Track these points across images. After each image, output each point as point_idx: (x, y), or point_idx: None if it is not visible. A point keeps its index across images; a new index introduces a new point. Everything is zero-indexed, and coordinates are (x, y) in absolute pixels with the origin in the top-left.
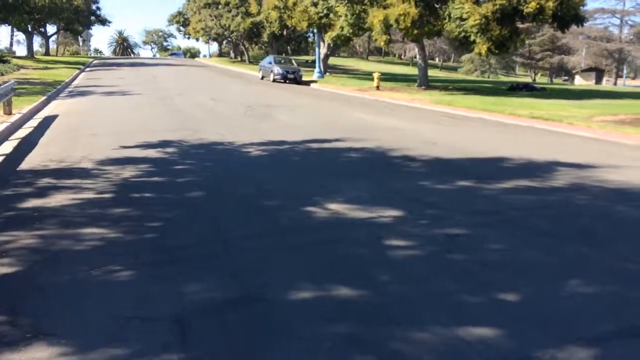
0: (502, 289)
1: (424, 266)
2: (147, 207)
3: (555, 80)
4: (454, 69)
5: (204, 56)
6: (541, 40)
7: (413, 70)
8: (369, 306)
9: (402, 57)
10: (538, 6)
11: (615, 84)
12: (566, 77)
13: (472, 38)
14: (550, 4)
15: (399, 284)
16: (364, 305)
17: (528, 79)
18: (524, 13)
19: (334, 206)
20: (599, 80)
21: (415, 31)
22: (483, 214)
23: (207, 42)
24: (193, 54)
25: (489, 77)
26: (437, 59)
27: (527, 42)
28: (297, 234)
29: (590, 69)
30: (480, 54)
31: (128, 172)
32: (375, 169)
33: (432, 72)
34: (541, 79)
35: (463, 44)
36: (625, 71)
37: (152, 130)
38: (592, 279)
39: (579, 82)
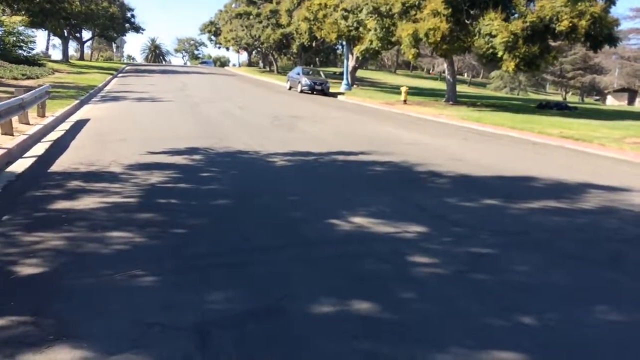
0: (526, 312)
1: (448, 285)
2: (172, 213)
3: (586, 100)
4: (483, 85)
5: (234, 65)
6: (573, 59)
7: (441, 85)
8: (391, 324)
9: (431, 71)
10: (571, 25)
11: None
12: (598, 97)
13: (500, 55)
14: (584, 22)
15: (422, 302)
16: (386, 323)
17: (559, 98)
18: (556, 31)
19: (358, 220)
20: (631, 101)
21: (445, 46)
22: (509, 234)
23: (237, 52)
24: (223, 62)
25: (518, 95)
26: (465, 75)
27: (558, 60)
28: (320, 247)
29: (622, 90)
30: (507, 70)
31: (155, 177)
32: (400, 183)
33: (460, 88)
34: (572, 98)
35: (491, 61)
36: None
37: (180, 137)
38: (619, 306)
39: (611, 102)
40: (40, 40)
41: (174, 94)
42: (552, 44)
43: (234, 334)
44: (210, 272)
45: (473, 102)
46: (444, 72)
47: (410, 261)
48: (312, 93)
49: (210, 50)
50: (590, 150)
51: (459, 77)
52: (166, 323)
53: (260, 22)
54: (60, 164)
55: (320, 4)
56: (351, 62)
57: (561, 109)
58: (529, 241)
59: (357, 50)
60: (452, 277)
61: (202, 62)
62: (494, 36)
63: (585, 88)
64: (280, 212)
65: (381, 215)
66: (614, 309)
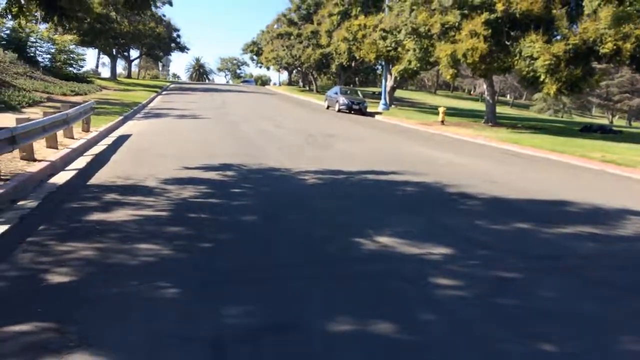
0: (549, 340)
1: (470, 309)
2: (200, 227)
3: (634, 124)
4: (526, 107)
5: (274, 84)
6: (620, 82)
7: (481, 106)
8: (409, 345)
9: (472, 92)
10: (615, 47)
11: None
12: None
13: (542, 78)
14: (628, 45)
15: (441, 325)
16: (404, 344)
17: (605, 121)
18: (600, 54)
19: (384, 239)
20: None
21: (484, 66)
22: (538, 259)
23: (278, 71)
24: (264, 81)
25: (562, 117)
26: (508, 96)
27: (604, 82)
28: (343, 265)
29: None
30: (548, 94)
31: (188, 192)
32: (430, 204)
33: (502, 109)
34: (619, 122)
35: (532, 83)
36: None
37: (215, 154)
38: None
39: None
40: (91, 58)
41: (213, 111)
42: (597, 66)
43: (250, 348)
44: (231, 286)
45: (513, 123)
46: (484, 93)
47: (433, 283)
48: (350, 112)
49: (252, 69)
50: (633, 176)
51: (501, 98)
52: (184, 335)
53: (301, 42)
54: (99, 177)
55: (359, 25)
56: (389, 82)
57: (605, 132)
58: (558, 267)
59: (396, 70)
60: (474, 301)
61: (244, 81)
62: (536, 58)
63: (632, 112)
64: (306, 230)
65: (408, 235)
66: (637, 340)
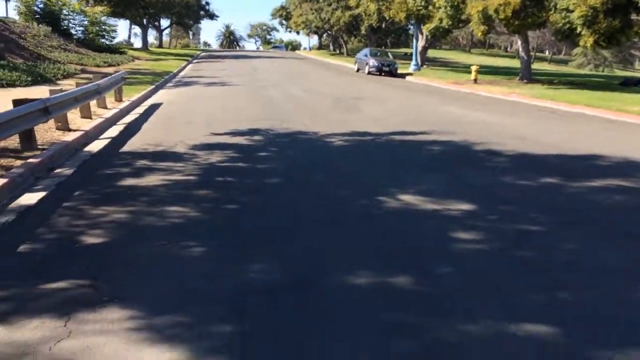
0: (566, 289)
1: (487, 261)
2: (227, 190)
3: None
4: (565, 63)
5: (304, 49)
6: None
7: (517, 64)
8: (423, 296)
9: (508, 49)
10: None
11: None
12: None
13: (578, 30)
14: None
15: (458, 277)
16: (418, 295)
17: None
18: (639, 5)
19: (407, 197)
20: None
21: (517, 22)
22: (562, 212)
23: (307, 35)
24: (294, 46)
25: (603, 71)
26: (547, 52)
27: None
28: (365, 223)
29: None
30: (585, 46)
31: (215, 157)
32: (456, 163)
33: (539, 66)
34: None
35: (568, 36)
36: None
37: (244, 119)
38: None
39: None
40: (123, 29)
41: (243, 78)
42: (636, 17)
43: (270, 302)
44: (254, 245)
45: (550, 79)
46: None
47: (452, 237)
48: (380, 74)
49: (282, 34)
50: None
51: (539, 54)
52: (207, 290)
53: (330, 4)
54: (131, 145)
55: None
56: (421, 42)
57: None
58: (582, 219)
59: (427, 29)
60: (493, 254)
61: (274, 47)
62: (572, 11)
63: None
64: (330, 190)
65: (431, 193)
66: None
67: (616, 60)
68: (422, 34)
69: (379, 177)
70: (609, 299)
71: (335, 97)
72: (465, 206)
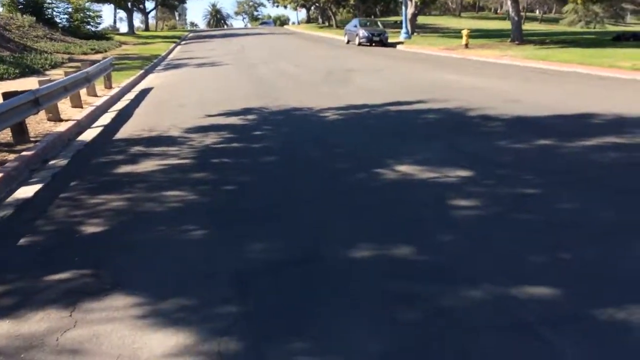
0: (567, 249)
1: (487, 226)
2: (223, 171)
3: None
4: (556, 21)
5: (293, 23)
6: None
7: (508, 25)
8: (425, 264)
9: (498, 11)
10: None
11: None
12: None
13: None
14: None
15: (458, 244)
16: (421, 263)
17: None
18: None
19: (403, 168)
20: None
21: None
22: (558, 173)
23: (295, 9)
24: (282, 21)
25: (594, 28)
26: (538, 12)
27: None
28: (362, 195)
29: None
30: (576, 2)
31: (210, 139)
32: (451, 130)
33: (530, 26)
34: None
35: None
36: None
37: (236, 99)
38: None
39: None
40: (107, 15)
41: (232, 56)
42: None
43: (272, 280)
44: (253, 224)
45: (542, 39)
46: (510, 10)
47: (451, 204)
48: (371, 45)
49: (269, 10)
50: None
51: (529, 14)
52: (209, 271)
53: None
54: (124, 132)
55: None
56: (410, 9)
57: (639, 39)
58: (579, 179)
59: None
60: (491, 218)
61: (262, 23)
62: None
63: None
64: (326, 165)
65: (427, 162)
66: None
67: (607, 15)
68: (411, 0)
69: (375, 149)
70: (610, 256)
71: (327, 70)
72: (462, 172)
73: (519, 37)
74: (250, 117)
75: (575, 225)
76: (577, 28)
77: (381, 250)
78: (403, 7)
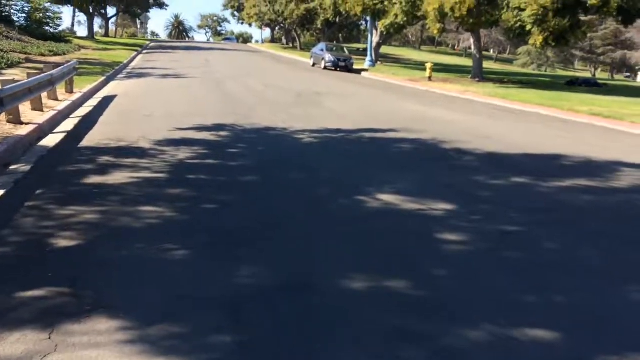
0: (558, 291)
1: (478, 262)
2: (201, 188)
3: (616, 77)
4: (510, 62)
5: (256, 42)
6: (604, 34)
7: (466, 62)
8: (423, 300)
9: (456, 47)
10: None
11: None
12: (628, 74)
13: (529, 28)
14: None
15: (453, 280)
16: (418, 299)
17: (587, 74)
18: (587, 5)
19: (386, 197)
20: None
21: (471, 20)
22: (538, 212)
23: (260, 28)
24: (246, 39)
25: (546, 71)
26: (492, 51)
27: (588, 35)
28: (349, 223)
29: None
30: (535, 45)
31: (183, 153)
32: (428, 161)
33: (486, 64)
34: (601, 75)
35: (519, 35)
36: None
37: (206, 114)
38: None
39: None
40: (66, 16)
41: (198, 70)
42: (583, 18)
43: (266, 308)
44: (240, 246)
45: (500, 78)
46: (469, 48)
47: (439, 238)
48: (336, 70)
49: (233, 26)
50: (621, 128)
51: (484, 53)
52: (198, 296)
53: None
54: (90, 140)
55: None
56: (375, 38)
57: (590, 85)
58: (558, 219)
59: (382, 24)
60: (481, 255)
61: (226, 39)
62: (523, 9)
63: (615, 64)
64: (308, 188)
65: (409, 192)
66: None
67: (557, 60)
68: (376, 29)
69: (355, 175)
70: (601, 301)
71: (297, 92)
72: (446, 206)
73: (480, 75)
74: (222, 133)
75: (562, 267)
76: (529, 70)
77: (376, 283)
78: (369, 35)
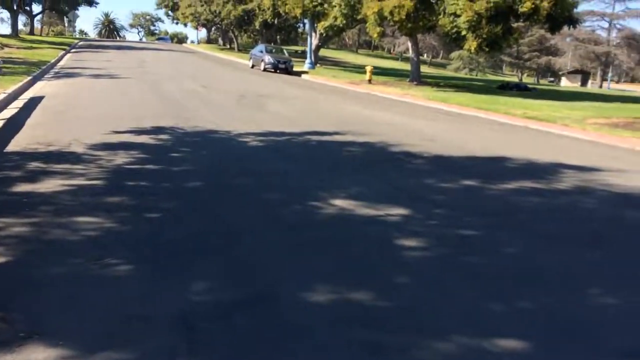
0: (523, 297)
1: (439, 269)
2: (143, 196)
3: (541, 81)
4: (443, 66)
5: (192, 42)
6: (530, 41)
7: (402, 65)
8: (387, 311)
9: (392, 51)
10: (533, 6)
11: (600, 86)
12: (552, 79)
13: (463, 34)
14: (545, 4)
15: (416, 288)
16: (382, 310)
17: (515, 79)
18: (519, 12)
19: (339, 202)
20: (584, 83)
21: (410, 25)
22: (492, 215)
23: (195, 28)
24: (180, 39)
25: (477, 75)
26: (426, 55)
27: (519, 41)
28: (304, 231)
29: (576, 71)
30: (469, 50)
31: (121, 158)
32: (376, 164)
33: (422, 68)
34: (527, 79)
35: (455, 40)
36: (610, 75)
37: (143, 117)
38: (609, 288)
39: (565, 83)
40: None
41: (132, 70)
42: (514, 25)
43: (222, 326)
44: (190, 258)
45: (437, 82)
46: (405, 52)
47: (398, 244)
48: (275, 72)
49: (168, 26)
50: (555, 131)
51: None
52: (147, 315)
53: None
54: (16, 144)
55: None
56: (314, 40)
57: (521, 90)
58: (511, 222)
59: (321, 26)
60: (442, 261)
61: (159, 39)
62: (459, 15)
63: (541, 69)
64: (257, 194)
65: (362, 197)
66: (607, 291)
67: (487, 65)
68: (315, 32)
69: (305, 179)
70: (567, 305)
71: (238, 94)
72: (401, 210)
73: (418, 78)
74: (163, 137)
75: (522, 271)
76: (461, 74)
77: (338, 294)
78: (308, 38)
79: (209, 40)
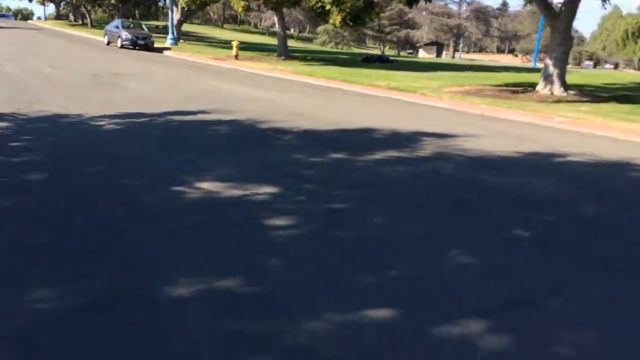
0: (390, 267)
1: (309, 246)
2: None
3: (401, 53)
4: (310, 40)
5: (38, 18)
6: (390, 15)
7: (269, 40)
8: (256, 296)
9: (258, 26)
10: None
11: (453, 57)
12: (411, 51)
13: (328, 8)
14: None
15: (285, 268)
16: (250, 296)
17: (378, 51)
18: None
19: (205, 185)
20: (439, 54)
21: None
22: (360, 187)
23: (42, 3)
24: (25, 15)
25: (342, 49)
26: (293, 30)
27: (380, 15)
28: (167, 218)
29: (432, 43)
30: (334, 24)
31: None
32: (244, 142)
33: (289, 43)
34: (389, 52)
35: (320, 14)
36: (461, 45)
37: None
38: (471, 251)
39: (422, 55)
40: None
41: None
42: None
43: (70, 335)
44: (33, 262)
45: (304, 56)
46: (271, 26)
47: (266, 224)
48: (135, 48)
49: (9, 1)
50: (415, 100)
51: (287, 32)
52: None
53: None
54: None
55: None
56: (176, 15)
57: (383, 62)
58: (379, 193)
59: (183, 0)
60: (311, 238)
61: (1, 16)
62: None
63: (400, 42)
64: (113, 181)
65: (230, 178)
66: (467, 253)
67: (352, 38)
68: (177, 6)
69: (167, 162)
70: (431, 271)
71: (92, 73)
72: (270, 189)
73: (285, 53)
74: (1, 124)
75: (389, 241)
76: (328, 48)
77: (206, 284)
78: (169, 12)
79: (59, 16)
